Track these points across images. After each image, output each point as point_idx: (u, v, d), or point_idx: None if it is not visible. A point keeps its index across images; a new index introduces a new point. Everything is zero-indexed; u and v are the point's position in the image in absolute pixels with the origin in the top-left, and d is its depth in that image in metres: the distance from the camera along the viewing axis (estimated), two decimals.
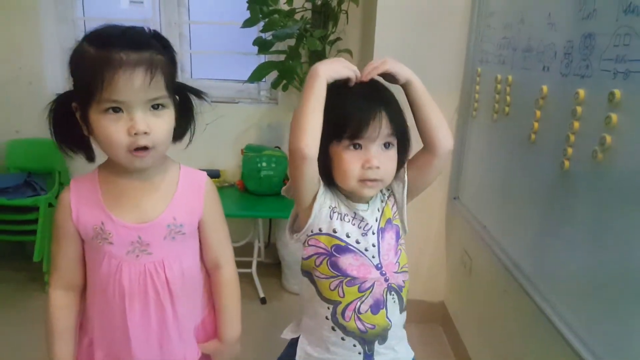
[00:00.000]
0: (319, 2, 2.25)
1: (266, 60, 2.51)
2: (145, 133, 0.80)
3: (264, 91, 2.72)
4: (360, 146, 0.89)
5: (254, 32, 2.37)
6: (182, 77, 2.78)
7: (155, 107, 0.82)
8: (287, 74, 2.24)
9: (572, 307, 1.10)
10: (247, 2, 2.19)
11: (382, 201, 0.97)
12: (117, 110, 0.80)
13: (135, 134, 0.79)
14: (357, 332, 0.93)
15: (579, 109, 1.10)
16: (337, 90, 0.90)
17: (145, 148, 0.81)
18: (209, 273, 1.00)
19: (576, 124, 1.11)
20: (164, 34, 2.60)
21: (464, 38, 1.96)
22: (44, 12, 2.61)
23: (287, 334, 1.02)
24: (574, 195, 1.13)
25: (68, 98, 0.86)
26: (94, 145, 0.89)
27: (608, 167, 1.00)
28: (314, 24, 2.29)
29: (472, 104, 1.91)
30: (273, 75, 2.34)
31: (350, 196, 0.95)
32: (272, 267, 2.70)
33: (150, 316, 0.89)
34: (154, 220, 0.88)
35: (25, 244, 2.71)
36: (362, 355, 0.94)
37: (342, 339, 0.94)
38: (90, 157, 0.91)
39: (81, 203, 0.87)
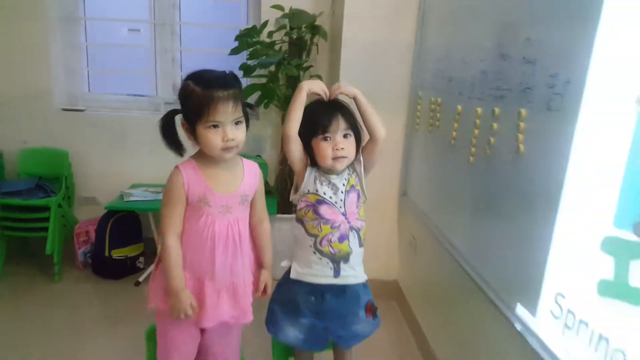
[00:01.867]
0: (295, 36, 2.75)
1: (249, 83, 2.98)
2: (232, 139, 1.26)
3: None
4: (329, 138, 1.37)
5: (238, 58, 2.85)
6: (174, 95, 3.21)
7: (237, 123, 1.28)
8: (269, 94, 2.72)
9: (492, 271, 1.61)
10: (237, 37, 2.67)
11: (348, 174, 1.45)
12: (216, 126, 1.25)
13: (227, 140, 1.25)
14: (330, 254, 1.40)
15: (477, 121, 1.62)
16: (312, 106, 1.40)
17: (231, 148, 1.27)
18: (255, 227, 1.43)
19: (476, 131, 1.63)
20: (159, 58, 3.12)
21: (409, 69, 2.50)
22: (52, 38, 2.99)
23: (284, 263, 1.48)
24: (474, 178, 1.65)
25: (171, 115, 1.31)
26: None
27: (492, 158, 1.52)
28: (290, 53, 2.78)
29: (415, 120, 2.44)
30: (256, 95, 2.81)
31: (327, 171, 1.42)
32: None
33: (228, 251, 1.32)
34: (234, 192, 1.33)
35: (29, 241, 3.02)
36: (332, 270, 1.41)
37: (320, 259, 1.41)
38: (181, 154, 1.34)
39: (190, 180, 1.29)
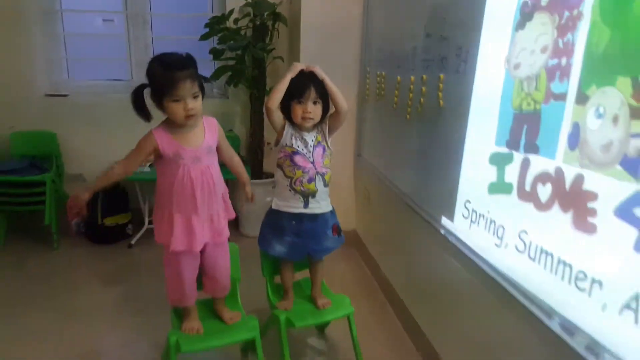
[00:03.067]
0: (258, 23, 3.15)
1: (218, 65, 3.35)
2: (192, 109, 1.59)
3: (216, 89, 3.57)
4: (302, 102, 1.80)
5: (206, 43, 3.22)
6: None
7: (195, 96, 1.59)
8: (238, 75, 3.11)
9: (426, 199, 2.10)
10: (206, 24, 3.04)
11: (317, 132, 1.88)
12: (177, 100, 1.54)
13: (187, 110, 1.57)
14: (300, 192, 1.84)
15: (411, 86, 2.11)
16: (295, 79, 1.82)
17: (192, 115, 1.59)
18: (229, 162, 1.83)
19: (410, 95, 2.12)
20: (132, 46, 3.45)
21: (359, 47, 2.96)
22: (34, 29, 3.24)
23: (269, 199, 1.92)
24: (411, 132, 2.14)
25: (140, 89, 1.61)
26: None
27: (423, 114, 2.01)
28: (255, 38, 3.17)
29: (365, 91, 2.91)
30: (225, 76, 3.19)
31: (300, 128, 1.86)
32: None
33: (204, 192, 1.68)
34: (200, 145, 1.69)
35: (25, 216, 3.29)
36: (302, 203, 1.85)
37: (294, 195, 1.84)
38: (148, 120, 1.65)
39: (162, 141, 1.62)
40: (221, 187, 1.78)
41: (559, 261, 1.17)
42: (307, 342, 2.18)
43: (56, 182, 3.14)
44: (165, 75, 1.53)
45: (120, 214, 3.22)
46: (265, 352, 1.77)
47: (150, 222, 3.31)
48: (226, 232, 1.81)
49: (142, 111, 1.62)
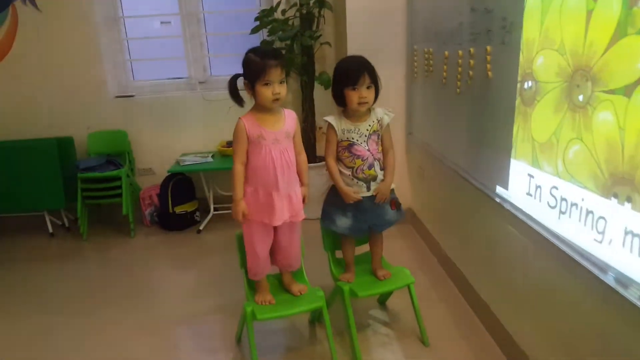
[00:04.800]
0: (304, 12, 3.25)
1: None
2: (278, 92, 1.78)
3: None
4: (356, 88, 1.89)
5: (256, 36, 3.36)
6: (205, 75, 3.74)
7: (281, 82, 1.80)
8: (288, 64, 3.23)
9: (480, 170, 2.15)
10: (256, 17, 3.18)
11: (374, 122, 1.96)
12: (267, 84, 1.76)
13: (275, 94, 1.77)
14: (363, 179, 1.95)
15: (459, 61, 2.15)
16: (345, 63, 1.93)
17: (277, 99, 1.79)
18: (296, 157, 1.92)
19: (459, 69, 2.16)
20: (189, 45, 3.66)
21: (404, 27, 3.00)
22: (100, 36, 3.54)
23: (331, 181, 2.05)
24: (461, 106, 2.18)
25: (235, 78, 1.83)
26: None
27: (472, 87, 2.05)
28: (302, 26, 3.28)
29: (413, 70, 2.96)
30: None
31: (355, 117, 1.95)
32: None
33: (284, 170, 1.84)
34: (280, 129, 1.85)
35: (102, 208, 3.62)
36: (366, 188, 1.96)
37: (357, 182, 1.95)
38: (241, 104, 1.86)
39: (248, 125, 1.81)
40: (295, 170, 1.94)
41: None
42: (370, 314, 2.29)
43: (130, 176, 3.42)
44: (260, 63, 1.75)
45: (188, 202, 3.47)
46: (331, 322, 1.90)
47: (215, 209, 3.54)
48: (302, 214, 1.94)
49: (236, 97, 1.86)
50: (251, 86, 1.79)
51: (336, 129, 1.96)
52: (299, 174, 1.96)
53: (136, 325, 2.32)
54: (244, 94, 1.85)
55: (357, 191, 1.96)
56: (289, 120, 1.90)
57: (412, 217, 3.25)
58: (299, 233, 2.00)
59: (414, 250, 2.98)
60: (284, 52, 3.26)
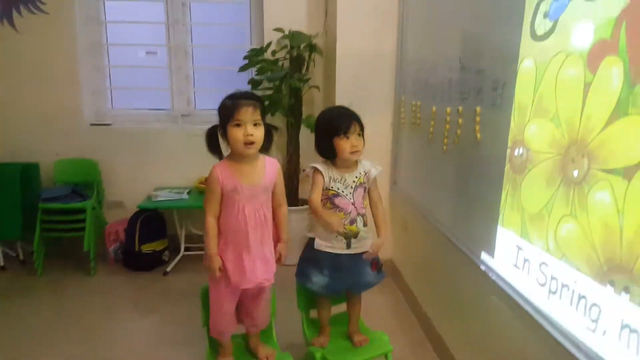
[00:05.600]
0: (295, 54, 3.20)
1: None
2: (251, 134, 1.63)
3: None
4: (348, 137, 1.79)
5: (244, 75, 3.29)
6: (188, 108, 3.64)
7: (255, 124, 1.64)
8: (275, 104, 3.16)
9: (465, 232, 2.05)
10: (245, 56, 3.12)
11: (360, 174, 1.86)
12: (239, 125, 1.63)
13: (247, 135, 1.62)
14: (343, 233, 1.81)
15: (447, 118, 2.08)
16: (332, 113, 1.84)
17: (251, 143, 1.64)
18: (275, 210, 1.80)
19: (447, 126, 2.09)
20: (175, 76, 3.55)
21: (393, 77, 2.97)
22: (82, 62, 3.41)
23: (309, 234, 1.91)
24: (448, 164, 2.10)
25: (213, 129, 1.71)
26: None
27: (459, 146, 1.97)
28: (292, 68, 3.22)
29: (400, 120, 2.89)
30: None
31: (343, 167, 1.84)
32: None
33: (257, 229, 1.70)
34: (258, 184, 1.71)
35: (63, 242, 3.37)
36: (345, 244, 1.83)
37: (336, 237, 1.83)
38: (220, 157, 1.73)
39: (223, 176, 1.67)
40: (271, 227, 1.80)
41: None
42: None
43: (96, 208, 3.24)
44: (230, 104, 1.64)
45: (157, 241, 3.28)
46: None
47: (186, 249, 3.36)
48: (272, 278, 1.80)
49: (215, 148, 1.72)
50: (223, 130, 1.66)
51: (324, 174, 1.83)
52: (277, 228, 1.81)
53: None
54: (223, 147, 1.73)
55: (343, 225, 1.79)
56: (269, 171, 1.74)
57: (392, 269, 3.12)
58: (269, 295, 1.85)
59: (393, 305, 2.84)
60: (271, 92, 3.19)
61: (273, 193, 1.79)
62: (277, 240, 1.84)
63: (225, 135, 1.66)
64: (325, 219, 1.78)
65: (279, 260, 1.81)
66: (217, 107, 1.71)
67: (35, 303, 2.83)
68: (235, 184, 1.67)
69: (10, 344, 2.34)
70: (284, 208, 1.85)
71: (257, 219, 1.71)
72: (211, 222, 1.70)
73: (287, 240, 1.85)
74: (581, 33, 1.20)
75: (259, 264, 1.73)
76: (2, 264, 3.23)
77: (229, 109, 1.63)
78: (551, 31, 1.33)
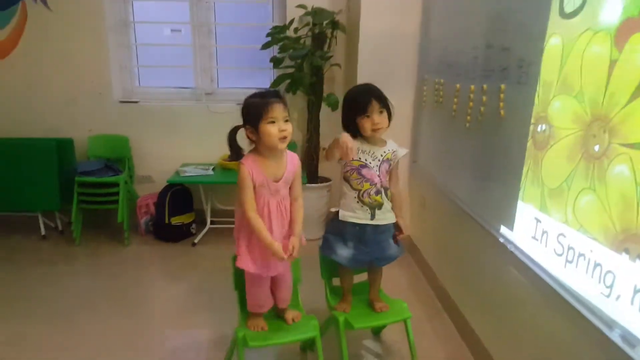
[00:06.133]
0: (317, 31, 3.25)
1: (275, 73, 3.48)
2: (285, 129, 1.69)
3: None
4: (369, 116, 1.86)
5: (266, 52, 3.35)
6: (212, 86, 3.72)
7: (286, 120, 1.70)
8: (297, 82, 3.22)
9: (484, 207, 2.12)
10: (268, 33, 3.18)
11: (387, 150, 1.93)
12: (273, 122, 1.66)
13: (281, 131, 1.69)
14: (369, 203, 1.91)
15: (471, 95, 2.13)
16: (353, 93, 1.90)
17: (285, 137, 1.71)
18: (291, 203, 1.85)
19: (470, 104, 2.14)
20: (198, 55, 3.60)
21: (416, 56, 3.00)
22: (110, 40, 3.51)
23: (333, 209, 2.00)
24: (470, 140, 2.16)
25: (234, 130, 1.75)
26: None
27: (483, 123, 2.03)
28: (314, 46, 3.27)
29: (422, 98, 2.94)
30: (284, 84, 3.31)
31: (370, 142, 1.91)
32: None
33: (279, 222, 1.78)
34: (281, 178, 1.78)
35: (98, 214, 3.53)
36: (370, 214, 1.92)
37: (362, 207, 1.91)
38: (238, 158, 1.77)
39: (252, 170, 1.73)
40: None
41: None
42: (364, 344, 2.24)
43: (128, 183, 3.38)
44: (262, 102, 1.68)
45: (185, 214, 3.42)
46: (323, 351, 1.84)
47: (212, 223, 3.49)
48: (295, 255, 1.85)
49: (235, 149, 1.77)
50: (254, 129, 1.70)
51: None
52: (292, 220, 1.85)
53: (121, 337, 2.26)
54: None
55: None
56: (290, 166, 1.81)
57: (410, 245, 3.20)
58: (290, 272, 1.94)
59: (411, 279, 2.93)
60: (293, 70, 3.25)
61: (291, 186, 1.85)
62: (289, 234, 1.86)
63: (255, 132, 1.70)
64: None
65: (290, 256, 1.77)
66: (242, 106, 1.74)
67: (75, 270, 3.01)
68: (263, 179, 1.74)
69: (53, 308, 2.51)
70: (300, 201, 1.89)
71: (280, 211, 1.79)
72: (254, 216, 1.74)
73: (299, 234, 1.86)
74: (609, 11, 1.24)
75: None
76: (43, 233, 3.40)
77: (260, 108, 1.67)
78: (580, 8, 1.37)
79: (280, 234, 1.80)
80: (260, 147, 1.74)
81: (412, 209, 3.22)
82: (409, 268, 3.07)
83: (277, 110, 1.68)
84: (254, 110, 1.69)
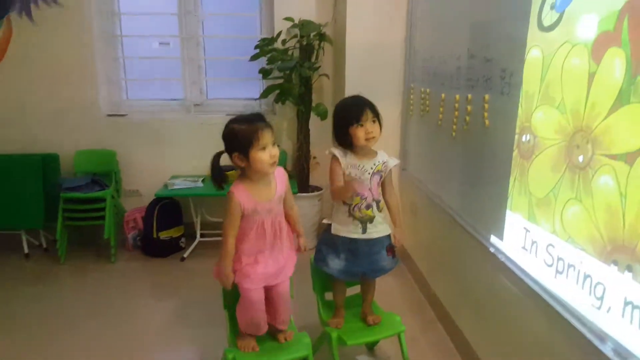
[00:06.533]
0: (305, 43, 3.25)
1: (264, 84, 3.47)
2: (275, 155, 1.66)
3: (264, 105, 3.69)
4: (362, 125, 1.85)
5: (254, 63, 3.34)
6: (201, 97, 3.70)
7: (273, 144, 1.67)
8: (286, 93, 3.22)
9: (474, 216, 2.11)
10: (256, 45, 3.18)
11: (377, 162, 1.91)
12: (263, 149, 1.63)
13: (272, 156, 1.66)
14: (359, 217, 1.89)
15: (456, 105, 2.13)
16: (344, 103, 1.91)
17: (275, 162, 1.69)
18: (288, 212, 1.87)
19: (456, 113, 2.14)
20: (186, 68, 3.59)
21: (402, 66, 3.01)
22: (97, 54, 3.49)
23: (325, 220, 1.98)
24: (457, 149, 2.15)
25: (217, 157, 1.74)
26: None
27: (468, 132, 2.02)
28: (301, 57, 3.27)
29: (409, 107, 2.94)
30: (273, 94, 3.31)
31: (360, 154, 1.90)
32: None
33: (274, 239, 1.77)
34: (273, 198, 1.77)
35: (84, 230, 3.46)
36: (361, 228, 1.91)
37: (353, 221, 1.90)
38: (222, 186, 1.76)
39: (242, 199, 1.71)
40: (285, 234, 1.86)
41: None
42: (357, 359, 2.21)
43: (115, 197, 3.34)
44: (251, 129, 1.64)
45: (174, 228, 3.38)
46: None
47: (202, 236, 3.46)
48: (290, 271, 1.87)
49: (220, 177, 1.75)
50: (244, 156, 1.67)
51: (341, 161, 1.90)
52: (293, 226, 1.89)
53: (107, 357, 2.22)
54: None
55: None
56: (279, 183, 1.80)
57: (402, 253, 3.19)
58: (288, 289, 1.90)
59: (404, 288, 2.92)
60: (281, 81, 3.25)
61: (284, 200, 1.85)
62: (294, 234, 1.93)
63: (245, 159, 1.67)
64: (346, 186, 1.85)
65: (298, 249, 1.89)
66: (223, 136, 1.70)
67: (59, 288, 2.95)
68: (255, 205, 1.72)
69: (36, 328, 2.46)
70: (295, 208, 1.92)
71: (275, 229, 1.79)
72: (231, 243, 1.75)
73: (302, 233, 1.93)
74: (586, 25, 1.25)
75: (273, 265, 1.80)
76: (26, 252, 3.34)
77: (250, 135, 1.64)
78: (557, 22, 1.38)
79: (274, 249, 1.79)
80: (249, 172, 1.71)
81: (404, 216, 3.20)
82: (402, 276, 3.06)
83: (267, 137, 1.65)
84: (244, 137, 1.65)
